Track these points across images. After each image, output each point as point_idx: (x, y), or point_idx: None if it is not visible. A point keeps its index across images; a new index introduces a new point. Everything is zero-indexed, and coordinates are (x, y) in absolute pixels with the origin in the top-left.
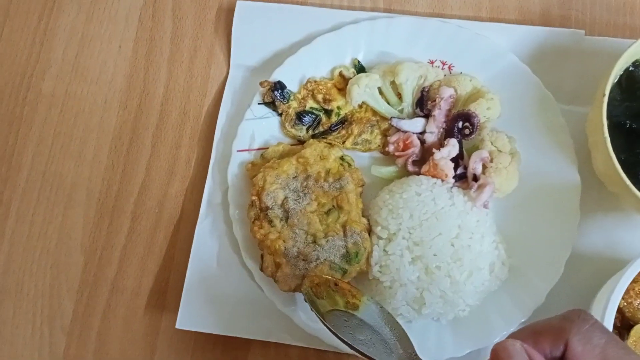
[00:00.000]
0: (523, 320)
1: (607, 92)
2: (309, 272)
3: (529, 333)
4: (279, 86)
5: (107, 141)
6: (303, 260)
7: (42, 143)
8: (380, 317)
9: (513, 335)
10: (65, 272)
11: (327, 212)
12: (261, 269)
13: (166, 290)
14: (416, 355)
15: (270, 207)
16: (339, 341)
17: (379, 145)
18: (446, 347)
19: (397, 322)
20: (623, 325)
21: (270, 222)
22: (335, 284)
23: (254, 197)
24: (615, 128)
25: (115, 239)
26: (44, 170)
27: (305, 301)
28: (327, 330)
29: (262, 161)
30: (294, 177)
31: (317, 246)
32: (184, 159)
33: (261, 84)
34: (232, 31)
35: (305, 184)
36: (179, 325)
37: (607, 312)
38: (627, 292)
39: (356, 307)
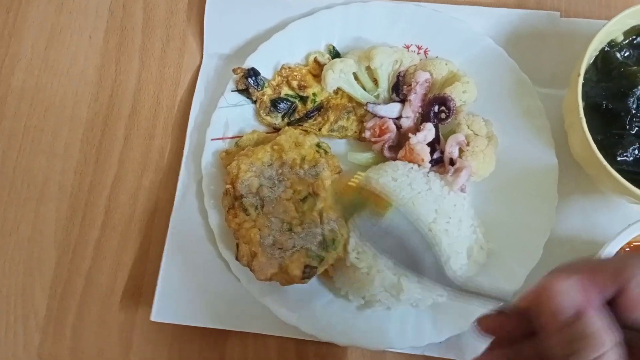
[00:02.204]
0: (502, 303)
1: (582, 73)
2: (285, 261)
3: (585, 268)
4: (253, 73)
5: (78, 134)
6: (279, 248)
7: (13, 137)
8: (408, 226)
9: (565, 269)
10: (39, 268)
11: (303, 200)
12: (236, 259)
13: (142, 284)
14: (444, 267)
15: (245, 195)
16: (317, 330)
17: (355, 132)
18: (425, 332)
19: (426, 233)
20: None
21: (245, 210)
22: (361, 191)
23: (228, 186)
24: (592, 109)
25: (88, 234)
26: (14, 165)
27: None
28: (305, 320)
29: (237, 149)
30: (268, 165)
31: (293, 234)
32: (157, 150)
33: (234, 71)
34: (205, 19)
35: (280, 171)
36: (154, 317)
37: None
38: None
39: (382, 215)
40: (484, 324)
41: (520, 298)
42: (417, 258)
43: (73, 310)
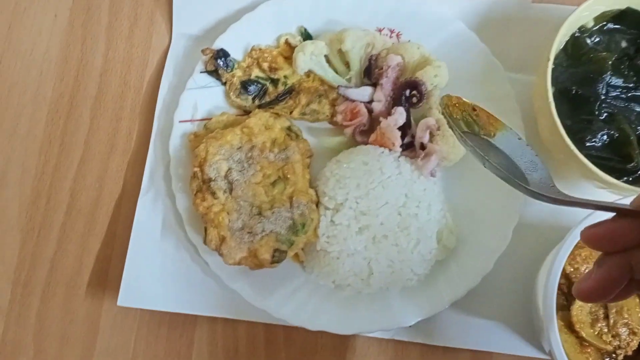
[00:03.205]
0: (471, 286)
1: (551, 57)
2: (255, 245)
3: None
4: (222, 54)
5: (42, 115)
6: (248, 232)
7: None
8: (519, 147)
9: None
10: (2, 252)
11: (273, 184)
12: (205, 243)
13: (108, 268)
14: (554, 186)
15: (214, 178)
16: (286, 315)
17: (327, 116)
18: (396, 316)
19: (537, 155)
20: (569, 292)
21: (214, 194)
22: (474, 109)
23: (196, 169)
24: (561, 94)
25: (53, 217)
26: None
27: (443, 114)
28: (275, 304)
29: (205, 132)
30: (238, 148)
31: (262, 218)
32: (124, 132)
33: (203, 51)
34: None
35: (250, 154)
36: (120, 302)
37: (550, 278)
38: (573, 258)
39: (493, 135)
40: (593, 232)
41: (636, 200)
42: (524, 175)
43: (37, 295)
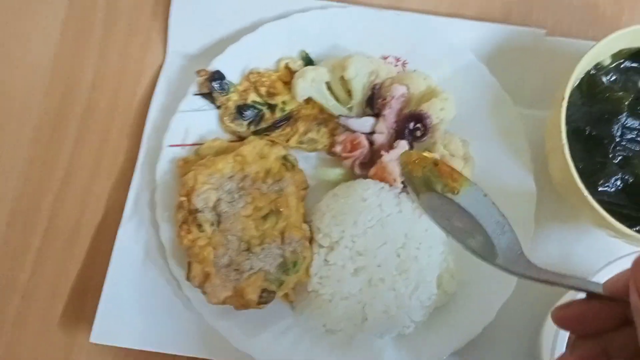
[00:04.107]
0: (472, 337)
1: (566, 96)
2: (241, 283)
3: None
4: (218, 76)
5: (27, 131)
6: (235, 270)
7: None
8: (485, 206)
9: None
10: None
11: (265, 217)
12: (187, 279)
13: (84, 299)
14: (522, 253)
15: (201, 209)
16: (273, 359)
17: (325, 145)
18: None
19: (504, 216)
20: None
21: (200, 226)
22: (435, 164)
23: (182, 198)
24: (574, 134)
25: (29, 240)
26: None
27: (402, 176)
28: (261, 347)
29: (196, 158)
30: (229, 177)
31: (251, 254)
32: (110, 154)
33: (198, 72)
34: (170, 15)
35: (241, 184)
36: (94, 338)
37: (559, 337)
38: None
39: (456, 192)
40: (564, 314)
41: (608, 282)
42: (490, 241)
43: (8, 324)
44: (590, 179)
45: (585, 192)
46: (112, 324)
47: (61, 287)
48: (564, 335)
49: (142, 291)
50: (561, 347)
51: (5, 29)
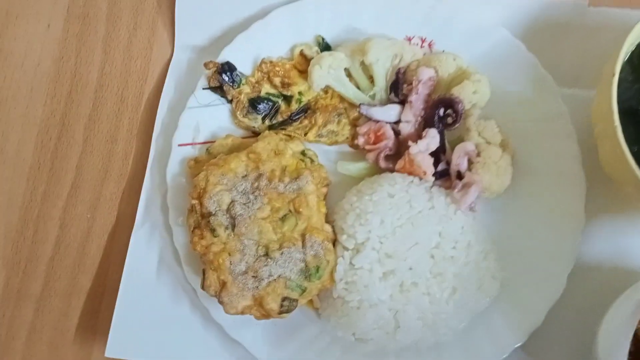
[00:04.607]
0: (518, 345)
1: (617, 71)
2: (260, 292)
3: None
4: (228, 68)
5: (32, 136)
6: (253, 277)
7: None
8: None
9: None
10: None
11: (283, 219)
12: (202, 288)
13: (99, 311)
14: None
15: (214, 213)
16: None
17: (347, 138)
18: None
19: None
20: (637, 350)
21: (213, 231)
22: None
23: (194, 201)
24: (626, 115)
25: (41, 250)
26: None
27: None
28: (287, 357)
29: (208, 157)
30: (243, 177)
31: (269, 260)
32: (120, 156)
33: (206, 65)
34: (176, 5)
35: (256, 184)
36: (109, 353)
37: (623, 336)
38: None
39: None
40: None
41: None
42: None
43: (22, 338)
44: None
45: None
46: (127, 336)
47: (75, 300)
48: (627, 340)
49: (158, 301)
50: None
51: (7, 30)
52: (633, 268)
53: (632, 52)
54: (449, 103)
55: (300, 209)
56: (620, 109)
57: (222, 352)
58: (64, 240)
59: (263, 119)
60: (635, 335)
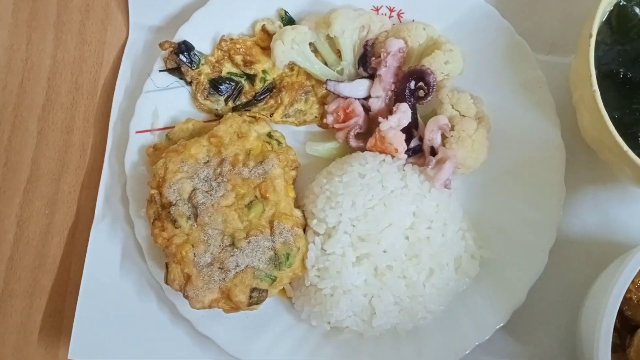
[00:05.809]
0: (500, 325)
1: (594, 33)
2: (227, 284)
3: None
4: (185, 47)
5: None
6: (219, 268)
7: None
8: None
9: None
10: None
11: (249, 206)
12: (166, 282)
13: (63, 310)
14: None
15: (174, 202)
16: None
17: (316, 117)
18: None
19: None
20: (623, 327)
21: (174, 222)
22: None
23: (153, 191)
24: (606, 79)
25: None
26: None
27: None
28: (260, 350)
29: (168, 143)
30: (204, 163)
31: (236, 250)
32: (77, 146)
33: (161, 45)
34: None
35: (219, 170)
36: (72, 354)
37: (607, 311)
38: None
39: None
40: None
41: None
42: None
43: None
44: (629, 130)
45: (625, 146)
46: (92, 337)
47: (37, 300)
48: (611, 320)
49: (123, 298)
50: (607, 335)
51: None
52: (617, 240)
53: (610, 12)
54: (420, 75)
55: (267, 195)
56: (598, 73)
57: (193, 348)
58: (23, 239)
59: (226, 100)
60: (621, 310)
